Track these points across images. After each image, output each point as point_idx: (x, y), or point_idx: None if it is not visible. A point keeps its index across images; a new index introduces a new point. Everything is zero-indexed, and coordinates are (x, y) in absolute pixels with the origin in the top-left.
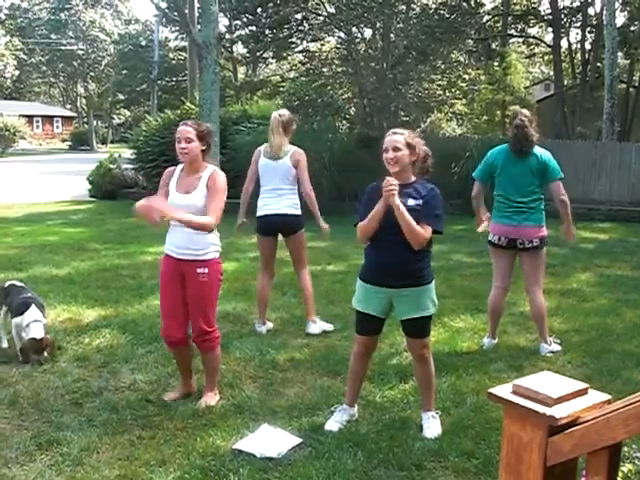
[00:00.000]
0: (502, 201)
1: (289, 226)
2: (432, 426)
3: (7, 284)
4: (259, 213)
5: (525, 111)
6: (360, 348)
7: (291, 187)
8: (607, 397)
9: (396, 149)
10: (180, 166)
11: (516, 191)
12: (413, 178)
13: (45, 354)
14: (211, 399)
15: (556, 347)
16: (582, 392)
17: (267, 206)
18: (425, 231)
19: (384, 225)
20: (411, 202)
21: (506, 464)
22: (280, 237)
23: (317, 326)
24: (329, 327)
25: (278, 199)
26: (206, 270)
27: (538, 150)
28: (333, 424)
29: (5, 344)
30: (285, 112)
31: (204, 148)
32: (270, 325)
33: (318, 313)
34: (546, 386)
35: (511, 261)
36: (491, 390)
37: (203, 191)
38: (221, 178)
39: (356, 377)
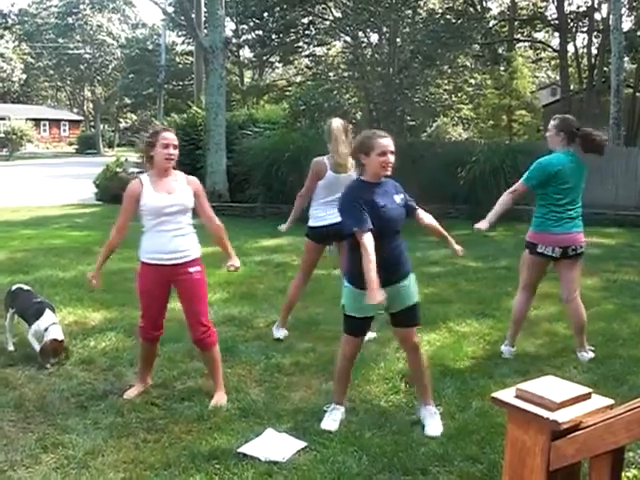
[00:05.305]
0: (556, 210)
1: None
2: (433, 423)
3: (14, 288)
4: (321, 222)
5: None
6: (354, 349)
7: None
8: (610, 402)
9: (393, 152)
10: (144, 176)
11: (574, 199)
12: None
13: (62, 356)
14: (223, 398)
15: (592, 354)
16: (585, 397)
17: (331, 215)
18: (424, 214)
19: (381, 227)
20: (397, 199)
21: (509, 468)
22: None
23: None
24: (372, 335)
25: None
26: (198, 268)
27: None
28: (331, 423)
29: (11, 347)
30: (342, 121)
31: None
32: (287, 331)
33: (323, 316)
34: (549, 391)
35: (545, 271)
36: (495, 394)
37: (188, 191)
38: (199, 182)
39: (347, 378)
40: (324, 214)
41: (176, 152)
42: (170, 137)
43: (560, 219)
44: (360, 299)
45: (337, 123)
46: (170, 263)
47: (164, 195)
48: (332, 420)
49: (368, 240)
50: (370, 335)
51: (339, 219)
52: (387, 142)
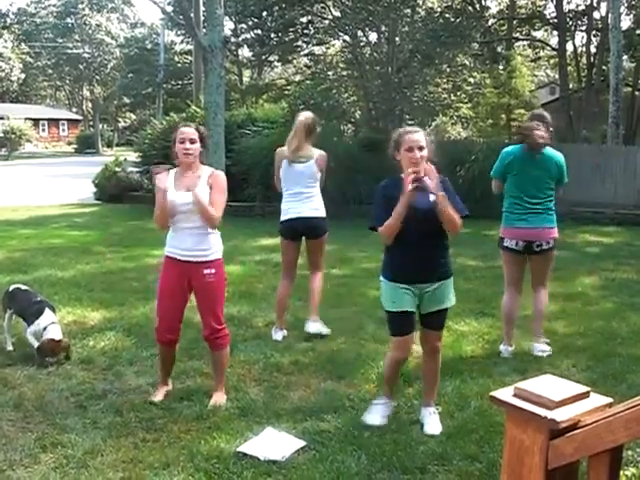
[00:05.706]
0: (518, 203)
1: (315, 229)
2: (432, 422)
3: (11, 288)
4: (284, 217)
5: (540, 111)
6: (401, 352)
7: (316, 190)
8: (609, 400)
9: (422, 148)
10: (173, 170)
11: (535, 193)
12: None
13: (61, 356)
14: (222, 398)
15: (547, 347)
16: (583, 395)
17: (293, 209)
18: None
19: (412, 223)
20: (432, 197)
21: (508, 467)
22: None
23: (315, 325)
24: (326, 331)
25: (303, 202)
26: (213, 271)
27: (555, 153)
28: (378, 418)
29: (10, 347)
30: (310, 115)
31: (202, 150)
32: (286, 332)
33: (321, 315)
34: (547, 389)
35: (524, 265)
36: (493, 393)
37: (205, 189)
38: (222, 177)
39: (396, 378)
40: (286, 208)
41: (194, 146)
42: (186, 131)
43: (524, 213)
44: (392, 292)
45: (303, 117)
46: (184, 259)
47: (181, 193)
48: (380, 416)
49: (382, 226)
50: (323, 330)
51: (301, 214)
52: (415, 137)
